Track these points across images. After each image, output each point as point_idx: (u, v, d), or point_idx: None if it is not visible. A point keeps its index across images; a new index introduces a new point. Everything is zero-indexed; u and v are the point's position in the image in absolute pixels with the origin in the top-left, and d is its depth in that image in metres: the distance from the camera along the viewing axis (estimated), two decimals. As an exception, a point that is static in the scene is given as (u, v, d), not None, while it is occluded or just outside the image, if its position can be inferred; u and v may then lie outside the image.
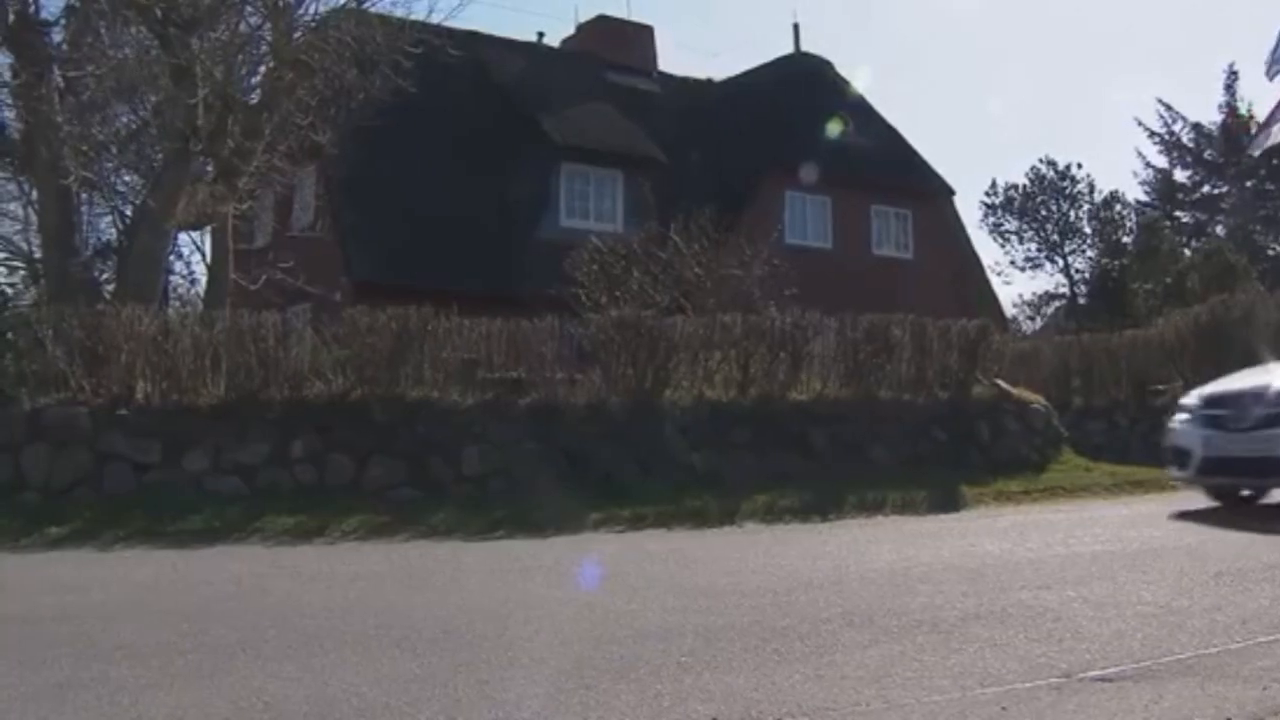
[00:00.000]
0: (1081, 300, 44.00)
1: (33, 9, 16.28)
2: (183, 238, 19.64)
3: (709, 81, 33.24)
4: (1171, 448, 10.25)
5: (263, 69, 17.61)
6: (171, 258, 18.42)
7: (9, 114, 17.22)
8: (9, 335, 11.57)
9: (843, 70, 32.41)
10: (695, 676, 4.13)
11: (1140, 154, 48.31)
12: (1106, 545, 7.77)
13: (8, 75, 16.65)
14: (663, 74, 31.91)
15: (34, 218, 19.74)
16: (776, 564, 7.48)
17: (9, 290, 22.18)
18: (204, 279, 22.35)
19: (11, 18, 15.56)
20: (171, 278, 19.95)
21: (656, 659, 4.39)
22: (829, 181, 28.23)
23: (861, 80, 32.71)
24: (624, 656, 4.44)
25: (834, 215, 29.33)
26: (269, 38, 16.90)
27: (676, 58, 58.82)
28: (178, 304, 23.35)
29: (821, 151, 28.10)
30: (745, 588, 6.29)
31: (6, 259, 22.14)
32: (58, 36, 16.93)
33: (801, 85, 30.50)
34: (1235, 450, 9.45)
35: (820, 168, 27.59)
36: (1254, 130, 33.48)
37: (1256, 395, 9.53)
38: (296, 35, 16.52)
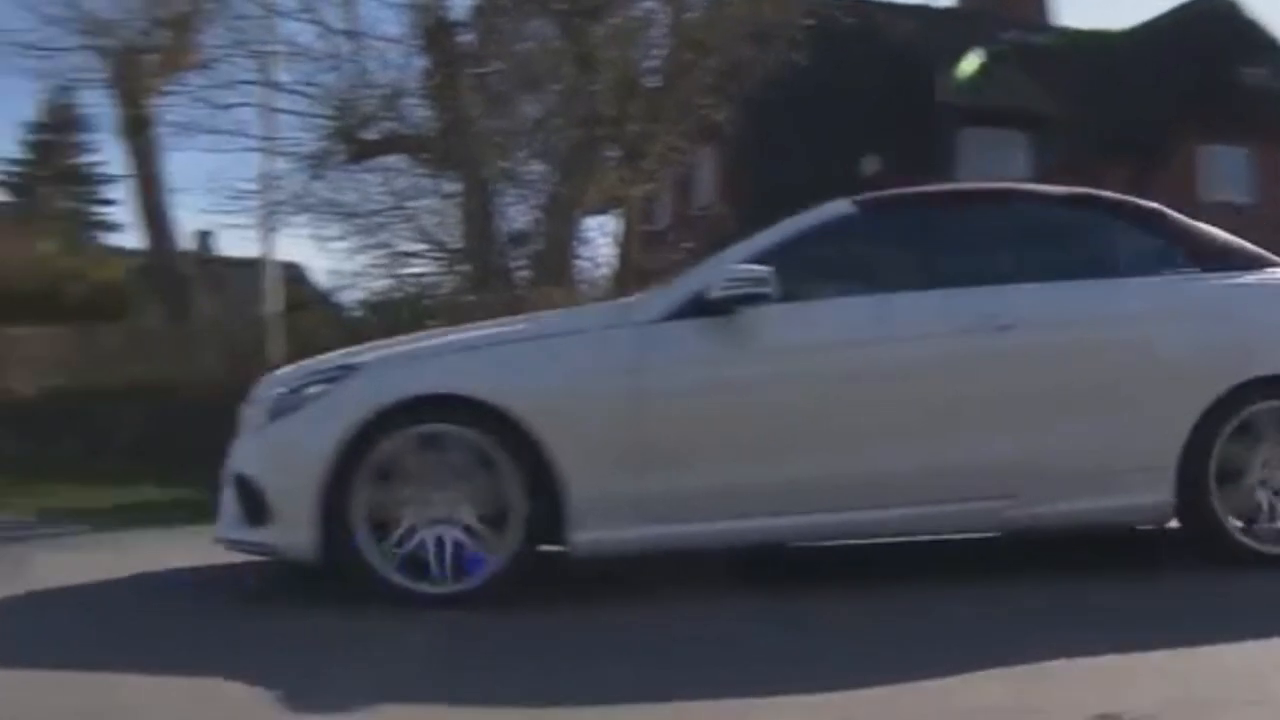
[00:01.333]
0: None
1: (445, 13, 17.13)
2: (586, 221, 20.22)
3: (1108, 32, 31.44)
4: None
5: (658, 51, 17.87)
6: (575, 242, 18.94)
7: (427, 113, 18.12)
8: (429, 321, 12.12)
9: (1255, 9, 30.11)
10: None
11: None
12: None
13: (422, 78, 17.55)
14: (1058, 27, 30.49)
15: (450, 210, 20.84)
16: None
17: (430, 279, 23.50)
18: (606, 261, 23.00)
19: (432, 22, 16.43)
20: (577, 261, 20.57)
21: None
22: (1247, 131, 26.32)
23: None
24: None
25: (1257, 167, 27.29)
26: (665, 19, 17.15)
27: (1072, 9, 56.14)
28: (584, 286, 24.11)
29: (1237, 100, 26.16)
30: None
31: (428, 250, 23.46)
32: (466, 36, 17.73)
33: (1209, 29, 28.38)
34: None
35: (1237, 117, 25.77)
36: None
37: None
38: (691, 15, 16.69)
